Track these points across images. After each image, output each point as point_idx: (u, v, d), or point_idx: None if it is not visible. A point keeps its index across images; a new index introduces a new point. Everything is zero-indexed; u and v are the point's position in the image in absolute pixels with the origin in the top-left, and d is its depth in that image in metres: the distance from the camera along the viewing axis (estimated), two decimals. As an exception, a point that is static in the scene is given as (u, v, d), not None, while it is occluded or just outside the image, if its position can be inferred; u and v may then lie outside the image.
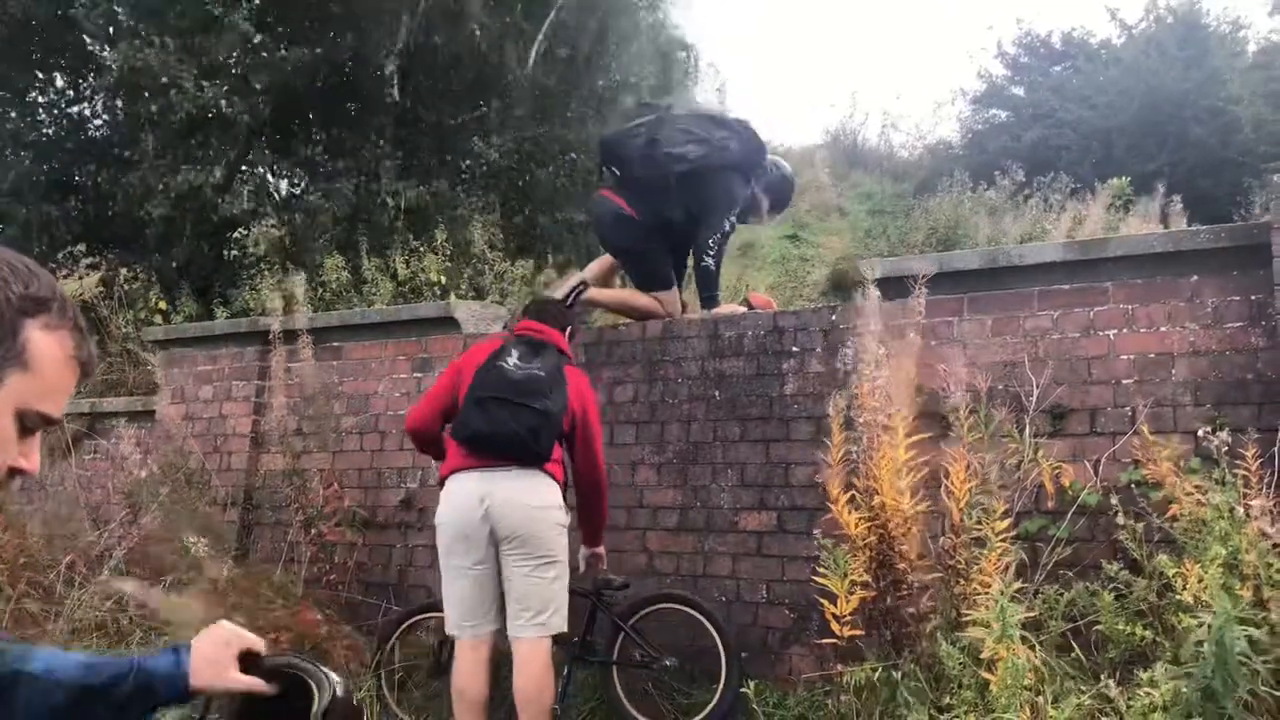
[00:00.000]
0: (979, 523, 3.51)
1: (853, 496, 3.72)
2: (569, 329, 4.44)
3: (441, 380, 4.33)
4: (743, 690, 4.02)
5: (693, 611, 4.44)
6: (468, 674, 3.94)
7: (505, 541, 3.92)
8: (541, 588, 3.92)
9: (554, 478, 4.05)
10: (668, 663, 4.39)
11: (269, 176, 11.02)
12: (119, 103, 9.93)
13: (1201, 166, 13.89)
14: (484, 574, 3.96)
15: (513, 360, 4.08)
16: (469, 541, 3.94)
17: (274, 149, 10.35)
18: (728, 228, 5.30)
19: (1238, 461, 3.31)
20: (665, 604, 4.55)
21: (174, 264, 9.53)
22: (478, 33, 10.07)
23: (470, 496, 3.93)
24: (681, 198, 5.21)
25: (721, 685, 4.26)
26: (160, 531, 5.44)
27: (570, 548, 4.14)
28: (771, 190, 5.61)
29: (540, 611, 3.91)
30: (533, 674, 3.86)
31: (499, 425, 3.91)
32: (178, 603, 4.55)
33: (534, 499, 3.93)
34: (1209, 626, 2.73)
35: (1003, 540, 3.45)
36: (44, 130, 10.14)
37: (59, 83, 10.32)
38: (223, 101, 8.61)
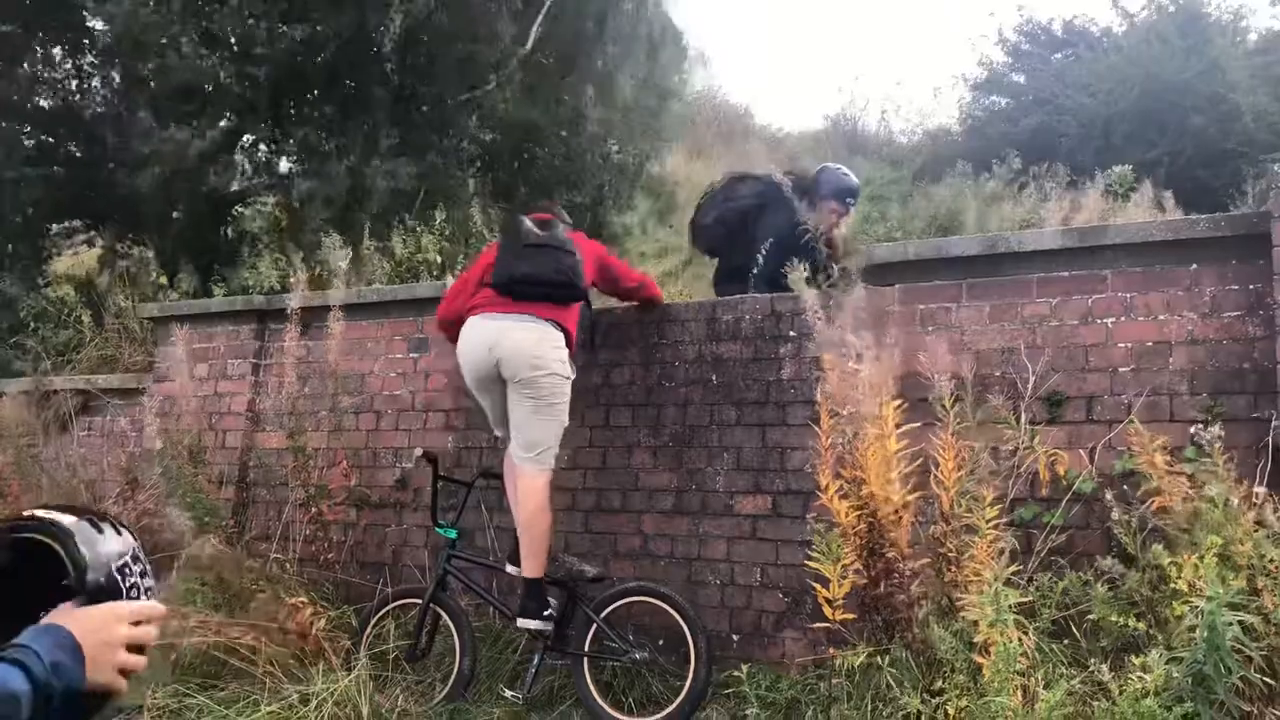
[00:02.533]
0: (969, 510, 3.52)
1: (841, 485, 3.72)
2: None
3: (466, 275, 4.90)
4: (735, 673, 4.05)
5: (664, 605, 4.46)
6: (507, 472, 4.79)
7: (511, 381, 4.51)
8: (540, 427, 4.52)
9: (566, 331, 4.60)
10: (638, 655, 4.41)
11: (267, 154, 10.97)
12: (115, 74, 9.86)
13: (1200, 156, 13.85)
14: (501, 400, 4.65)
15: (529, 227, 4.70)
16: (482, 378, 4.61)
17: (274, 124, 10.29)
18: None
19: (1232, 451, 3.32)
20: (638, 597, 4.56)
21: (173, 242, 9.48)
22: (477, 12, 10.02)
23: (481, 344, 4.53)
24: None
25: (690, 679, 4.27)
26: (157, 507, 5.44)
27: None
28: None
29: (535, 447, 4.51)
30: (530, 507, 4.50)
31: (540, 267, 4.55)
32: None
33: (539, 349, 4.48)
34: (1201, 612, 2.74)
35: (993, 527, 3.45)
36: (39, 101, 10.06)
37: (55, 52, 10.23)
38: (220, 72, 8.55)
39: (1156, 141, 14.22)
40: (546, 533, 4.56)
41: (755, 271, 5.64)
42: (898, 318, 4.54)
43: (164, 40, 8.47)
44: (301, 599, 4.69)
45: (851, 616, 3.68)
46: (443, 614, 4.81)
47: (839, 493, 3.69)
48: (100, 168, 9.62)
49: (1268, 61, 14.71)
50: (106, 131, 9.69)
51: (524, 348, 4.47)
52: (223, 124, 9.23)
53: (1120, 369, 4.14)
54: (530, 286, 4.53)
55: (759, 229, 5.80)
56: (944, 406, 3.68)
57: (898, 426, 3.68)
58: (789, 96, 46.20)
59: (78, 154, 9.98)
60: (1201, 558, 2.91)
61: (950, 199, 12.08)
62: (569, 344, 4.64)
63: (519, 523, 4.61)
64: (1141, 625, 3.19)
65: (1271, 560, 3.00)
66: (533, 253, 4.58)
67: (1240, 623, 2.78)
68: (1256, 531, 3.08)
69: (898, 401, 3.70)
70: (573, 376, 4.65)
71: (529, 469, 4.52)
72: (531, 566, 4.52)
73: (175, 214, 9.19)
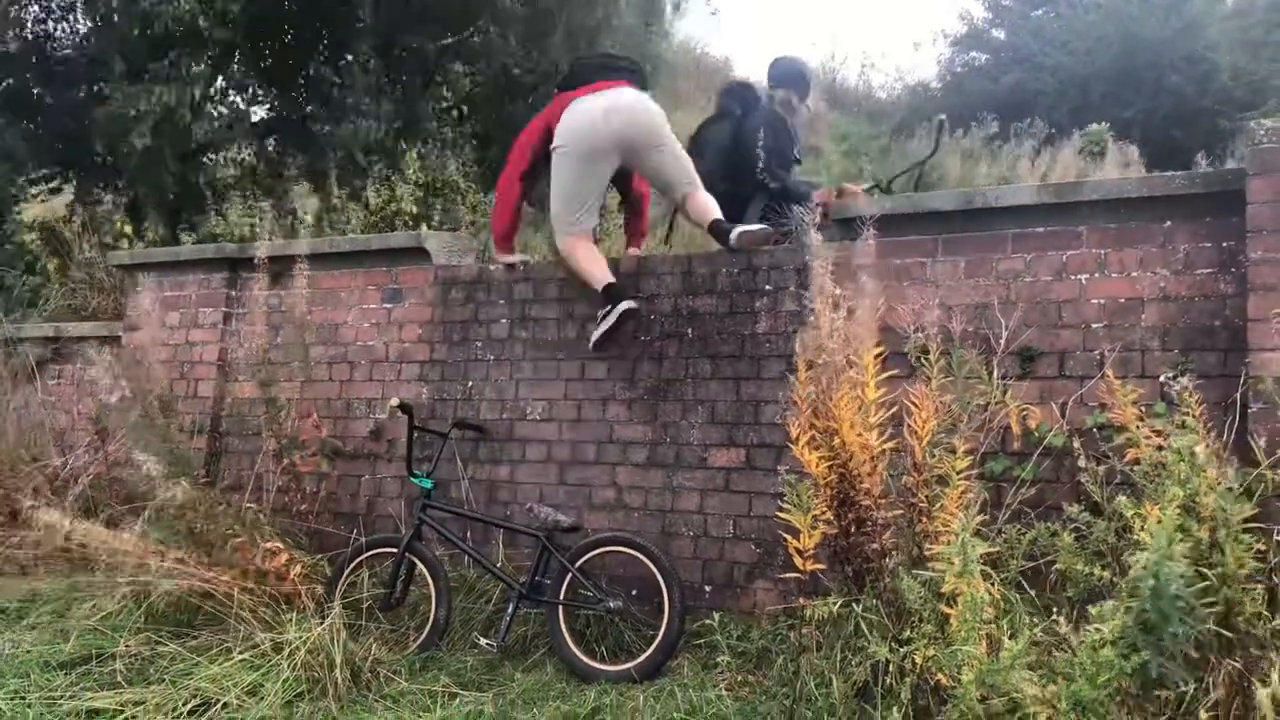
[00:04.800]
0: (941, 461, 3.54)
1: (813, 436, 3.73)
2: None
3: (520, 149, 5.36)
4: (707, 622, 4.09)
5: (639, 554, 4.49)
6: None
7: (642, 146, 5.13)
8: (684, 161, 5.26)
9: None
10: (612, 604, 4.44)
11: (239, 102, 10.77)
12: (92, 20, 9.62)
13: (1176, 115, 13.90)
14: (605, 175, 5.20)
15: None
16: (596, 150, 5.06)
17: (247, 72, 10.10)
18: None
19: (1202, 407, 3.35)
20: (613, 547, 4.59)
21: (143, 189, 9.32)
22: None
23: (595, 111, 5.04)
24: None
25: (663, 628, 4.31)
26: (127, 457, 5.40)
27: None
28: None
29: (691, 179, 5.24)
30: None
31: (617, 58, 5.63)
32: (103, 534, 4.53)
33: (653, 104, 5.22)
34: (1147, 561, 2.77)
35: (964, 479, 3.48)
36: (7, 45, 9.83)
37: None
38: (200, 18, 8.35)
39: (1133, 100, 14.24)
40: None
41: (760, 167, 5.95)
42: (873, 270, 4.54)
43: None
44: (276, 544, 4.68)
45: (821, 567, 3.72)
46: (418, 563, 4.82)
47: (811, 443, 3.70)
48: (65, 112, 9.41)
49: (1246, 24, 14.74)
50: (72, 73, 9.49)
51: (640, 104, 5.19)
52: (198, 68, 9.03)
53: (1093, 325, 4.17)
54: (614, 63, 5.54)
55: (745, 132, 6.07)
56: (919, 359, 3.69)
57: (874, 377, 3.68)
58: (769, 49, 45.86)
59: (46, 98, 9.78)
60: (1164, 509, 2.95)
61: (926, 152, 12.05)
62: None
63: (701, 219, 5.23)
64: (1106, 574, 3.24)
65: (1233, 513, 3.04)
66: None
67: (1199, 574, 2.82)
68: (1219, 485, 3.12)
69: (877, 352, 3.71)
70: None
71: (696, 190, 5.29)
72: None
73: (132, 152, 8.97)
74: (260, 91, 10.54)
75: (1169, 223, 4.08)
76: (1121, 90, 14.56)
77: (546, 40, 10.75)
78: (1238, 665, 2.84)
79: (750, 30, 46.27)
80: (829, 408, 3.68)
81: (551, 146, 5.16)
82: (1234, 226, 3.91)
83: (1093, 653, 2.73)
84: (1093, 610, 2.85)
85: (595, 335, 5.04)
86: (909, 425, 3.64)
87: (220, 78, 9.99)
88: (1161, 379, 3.64)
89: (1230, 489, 3.07)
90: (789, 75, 6.29)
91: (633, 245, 5.86)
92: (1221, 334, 3.93)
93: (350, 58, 9.72)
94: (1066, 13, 16.81)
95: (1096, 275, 4.19)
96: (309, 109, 9.45)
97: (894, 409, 3.72)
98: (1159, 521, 2.90)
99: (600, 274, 5.05)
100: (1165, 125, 13.54)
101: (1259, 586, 2.95)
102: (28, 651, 4.22)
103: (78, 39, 10.11)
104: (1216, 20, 14.84)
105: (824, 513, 3.69)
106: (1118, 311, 4.13)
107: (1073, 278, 4.24)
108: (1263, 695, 2.57)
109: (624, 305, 4.90)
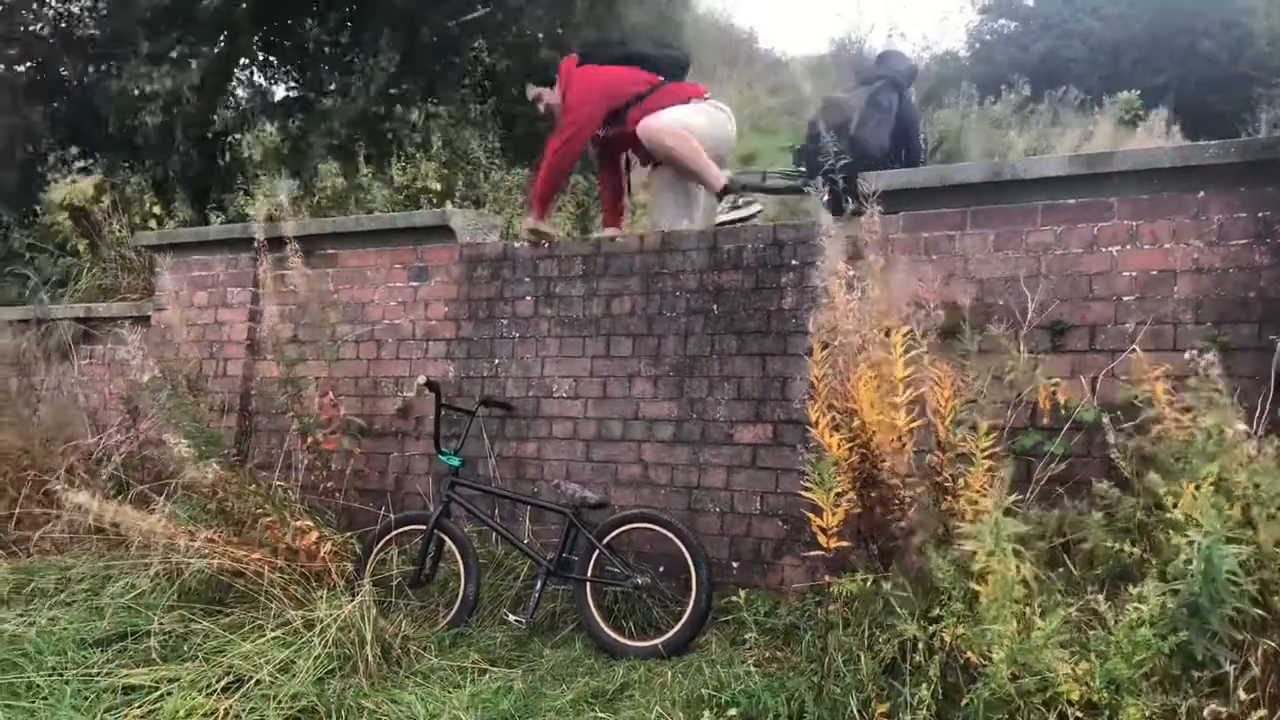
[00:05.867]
0: (964, 439, 3.51)
1: (834, 417, 3.70)
2: None
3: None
4: (733, 599, 4.09)
5: (666, 531, 4.50)
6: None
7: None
8: None
9: None
10: (639, 581, 4.45)
11: (261, 80, 10.77)
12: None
13: (1210, 81, 13.65)
14: None
15: None
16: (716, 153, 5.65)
17: (267, 49, 10.10)
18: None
19: (1236, 380, 3.30)
20: (639, 524, 4.60)
21: (169, 172, 9.37)
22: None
23: (726, 124, 5.79)
24: None
25: (691, 604, 4.32)
26: (158, 436, 5.46)
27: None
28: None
29: None
30: None
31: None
32: (134, 514, 4.58)
33: None
34: (1197, 545, 2.74)
35: (989, 456, 3.44)
36: (31, 28, 9.88)
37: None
38: None
39: (1165, 67, 13.99)
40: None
41: (923, 154, 5.72)
42: (901, 245, 4.50)
43: None
44: (306, 523, 4.72)
45: (847, 544, 3.70)
46: (447, 540, 4.85)
47: (831, 424, 3.67)
48: (90, 92, 9.45)
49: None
50: (99, 60, 9.52)
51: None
52: (215, 49, 9.04)
53: (1124, 298, 4.11)
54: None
55: (910, 110, 5.62)
56: (947, 335, 3.65)
57: (905, 354, 3.64)
58: (793, 20, 45.33)
59: (70, 79, 9.82)
60: (1198, 487, 2.91)
61: (956, 122, 11.93)
62: None
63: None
64: (1136, 551, 3.20)
65: (1265, 491, 3.00)
66: None
67: (1234, 556, 2.79)
68: (1252, 462, 3.07)
69: (905, 329, 3.66)
70: None
71: None
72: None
73: (158, 131, 9.00)
74: (282, 71, 10.55)
75: (1202, 193, 4.01)
76: (1154, 56, 14.31)
77: (570, 11, 10.65)
78: (1273, 645, 2.81)
79: (771, 2, 45.71)
80: (848, 388, 3.65)
81: (691, 143, 5.54)
82: (1269, 196, 3.84)
83: (1130, 631, 2.71)
84: (1131, 590, 2.83)
85: (723, 215, 5.46)
86: (933, 403, 3.61)
87: (243, 58, 10.01)
88: (1187, 355, 3.58)
89: (1264, 467, 3.03)
90: (907, 72, 5.83)
91: (615, 223, 6.15)
92: (1256, 306, 3.86)
93: (374, 39, 9.68)
94: (1098, -23, 16.53)
95: (1128, 247, 4.13)
96: (331, 85, 9.44)
97: (921, 388, 3.68)
98: (1194, 499, 2.87)
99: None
100: (1199, 92, 13.30)
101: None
102: (64, 629, 4.29)
103: (98, 18, 10.13)
104: (1252, -17, 14.53)
105: (847, 491, 3.67)
106: (1150, 284, 4.07)
107: (1104, 250, 4.17)
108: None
109: (757, 207, 5.49)
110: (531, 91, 6.14)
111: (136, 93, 8.39)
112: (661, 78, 5.72)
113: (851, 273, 3.75)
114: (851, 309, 3.67)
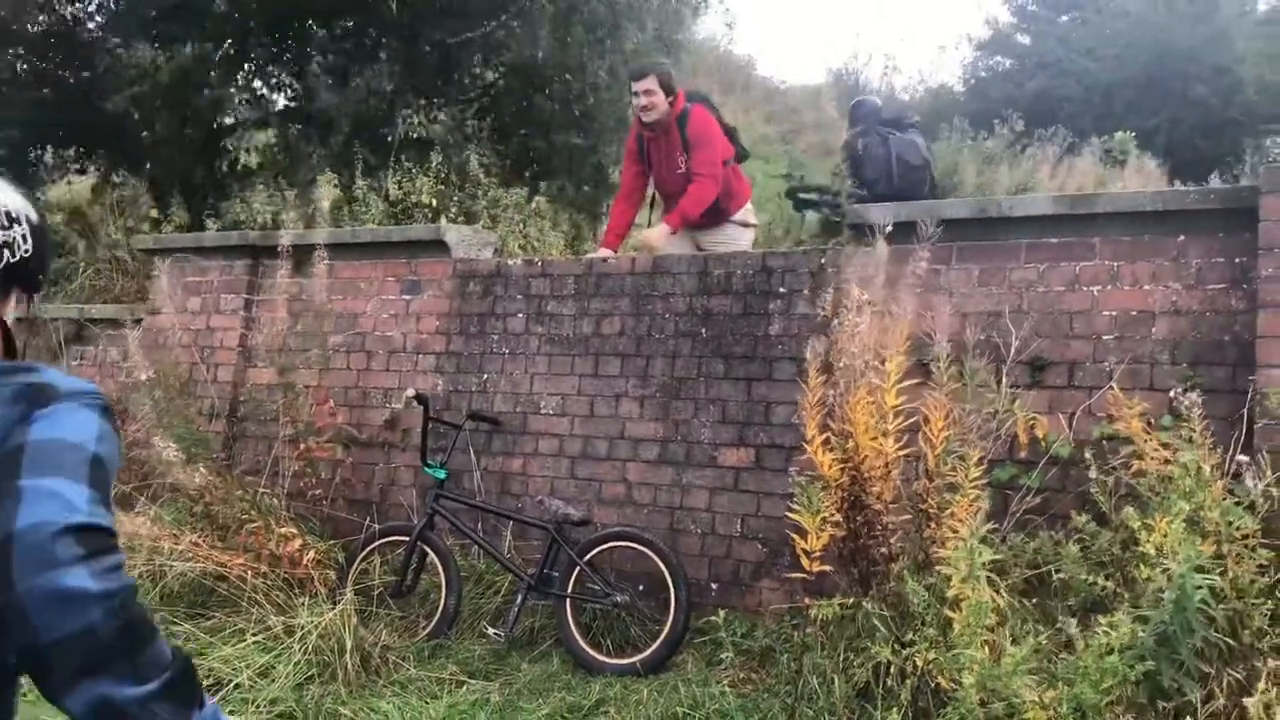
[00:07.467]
0: (953, 469, 3.58)
1: (828, 439, 3.78)
2: None
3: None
4: (712, 619, 4.14)
5: (647, 550, 4.56)
6: None
7: None
8: None
9: None
10: (619, 598, 4.51)
11: (263, 87, 10.83)
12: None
13: (1201, 126, 13.84)
14: None
15: None
16: None
17: (268, 57, 10.16)
18: None
19: (1210, 421, 3.37)
20: (621, 542, 4.66)
21: (161, 170, 9.40)
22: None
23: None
24: None
25: (669, 623, 4.38)
26: (146, 438, 5.48)
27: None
28: None
29: None
30: None
31: None
32: (119, 516, 4.60)
33: None
34: (1169, 575, 2.81)
35: (975, 486, 3.52)
36: (34, 25, 9.91)
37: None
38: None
39: (1158, 109, 14.18)
40: None
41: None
42: (889, 278, 4.57)
43: None
44: (291, 530, 4.75)
45: (828, 568, 3.76)
46: (430, 552, 4.89)
47: (825, 445, 3.75)
48: (90, 93, 9.50)
49: (1276, 32, 14.65)
50: (97, 55, 9.57)
51: None
52: (213, 46, 9.09)
53: (1104, 336, 4.19)
54: None
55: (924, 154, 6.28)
56: (938, 367, 3.73)
57: (894, 384, 3.73)
58: (792, 49, 45.73)
59: (70, 79, 9.86)
60: (1171, 522, 2.98)
61: (949, 156, 12.06)
62: None
63: None
64: (1110, 584, 3.27)
65: (1238, 527, 3.08)
66: None
67: (1207, 586, 2.86)
68: (1225, 500, 3.15)
69: (900, 359, 3.75)
70: None
71: None
72: None
73: (156, 135, 9.02)
74: (281, 80, 10.60)
75: (1182, 237, 4.10)
76: (1146, 99, 14.51)
77: (569, 32, 10.74)
78: (1239, 676, 2.87)
79: (772, 29, 46.13)
80: (845, 411, 3.73)
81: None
82: (1246, 243, 3.93)
83: (1099, 658, 2.78)
84: (1103, 619, 2.89)
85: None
86: (924, 432, 3.68)
87: (245, 64, 10.07)
88: (1171, 393, 3.66)
89: (1236, 504, 3.11)
90: (873, 114, 6.50)
91: (613, 245, 5.99)
92: (1230, 349, 3.95)
93: (370, 44, 9.76)
94: (1093, 19, 16.75)
95: (1109, 287, 4.22)
96: (331, 95, 9.49)
97: (912, 418, 3.75)
98: (1165, 535, 2.94)
99: None
100: (1190, 136, 13.49)
101: (1265, 602, 2.99)
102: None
103: (102, 20, 10.18)
104: (1245, 31, 14.75)
105: (833, 515, 3.74)
106: (1128, 324, 4.16)
107: (1085, 289, 4.26)
108: (1252, 703, 2.61)
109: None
110: (646, 82, 5.56)
111: (134, 70, 8.42)
112: (732, 156, 5.92)
113: (857, 299, 3.84)
114: (856, 334, 3.76)
